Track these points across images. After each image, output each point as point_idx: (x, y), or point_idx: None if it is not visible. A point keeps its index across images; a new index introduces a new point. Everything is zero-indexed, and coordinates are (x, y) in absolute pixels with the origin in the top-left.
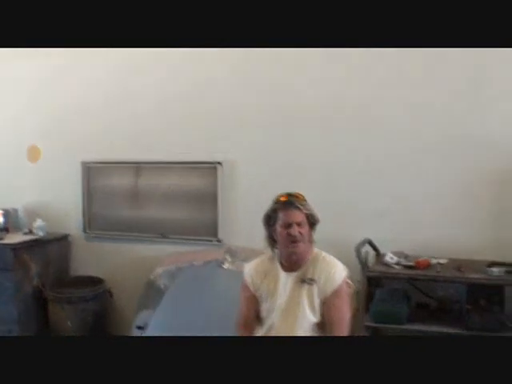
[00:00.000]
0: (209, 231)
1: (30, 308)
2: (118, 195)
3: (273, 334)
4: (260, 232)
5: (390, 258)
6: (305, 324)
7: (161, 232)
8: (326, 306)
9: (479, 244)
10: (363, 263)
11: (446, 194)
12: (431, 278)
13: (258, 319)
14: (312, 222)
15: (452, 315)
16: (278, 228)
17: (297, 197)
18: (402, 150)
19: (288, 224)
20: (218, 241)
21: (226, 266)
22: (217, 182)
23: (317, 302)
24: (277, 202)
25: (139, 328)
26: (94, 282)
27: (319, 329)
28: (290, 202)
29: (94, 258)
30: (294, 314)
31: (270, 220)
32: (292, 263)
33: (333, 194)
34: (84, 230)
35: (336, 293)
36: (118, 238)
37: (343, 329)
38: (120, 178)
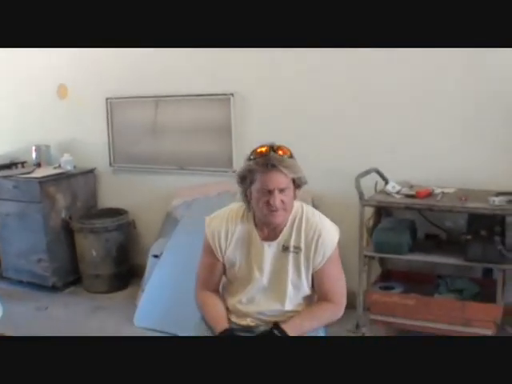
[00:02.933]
0: (224, 162)
1: (58, 238)
2: (139, 129)
3: (253, 308)
4: None
5: (391, 187)
6: (291, 300)
7: (179, 164)
8: (319, 274)
9: (489, 174)
10: (361, 193)
11: (456, 125)
12: (428, 208)
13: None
14: (299, 184)
15: (458, 246)
16: (255, 192)
17: (281, 151)
18: (411, 81)
19: (268, 191)
20: (233, 172)
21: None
22: (230, 114)
23: (304, 274)
24: (254, 158)
25: (155, 256)
26: (120, 213)
27: (309, 301)
28: (272, 163)
29: (119, 191)
30: (278, 290)
31: (245, 180)
32: (269, 229)
33: (344, 126)
34: (110, 164)
35: (329, 261)
36: (140, 171)
37: (342, 294)
38: (140, 112)
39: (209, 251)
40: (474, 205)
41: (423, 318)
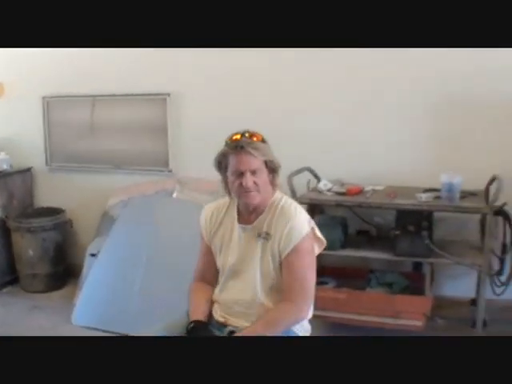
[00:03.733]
0: (160, 162)
1: None
2: (76, 128)
3: (223, 295)
4: (209, 162)
5: (323, 185)
6: (256, 287)
7: (115, 163)
8: (284, 266)
9: (418, 172)
10: (293, 191)
11: (387, 125)
12: (358, 204)
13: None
14: (272, 167)
15: (388, 241)
16: (230, 176)
17: (253, 136)
18: (346, 81)
19: (239, 172)
20: (169, 171)
21: (175, 195)
22: (166, 114)
23: (271, 261)
24: (227, 143)
25: (92, 255)
26: (57, 212)
27: (276, 292)
28: (241, 144)
29: (56, 190)
30: (244, 274)
31: (220, 165)
32: (249, 213)
33: (279, 125)
34: (46, 163)
35: (294, 252)
36: (77, 170)
37: (304, 293)
38: (77, 111)
39: (202, 238)
40: (401, 201)
41: (355, 312)
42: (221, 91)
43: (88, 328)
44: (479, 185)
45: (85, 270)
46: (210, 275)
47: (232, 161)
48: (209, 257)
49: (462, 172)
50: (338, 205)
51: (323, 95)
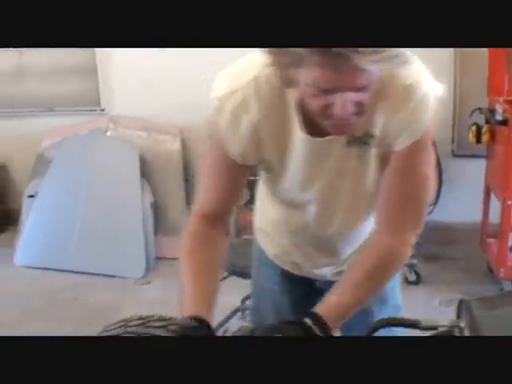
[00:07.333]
0: (92, 101)
1: None
2: (3, 74)
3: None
4: (142, 99)
5: None
6: (364, 214)
7: (47, 105)
8: (390, 172)
9: None
10: None
11: None
12: None
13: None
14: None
15: None
16: (302, 83)
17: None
18: None
19: (327, 90)
20: (102, 110)
21: (109, 133)
22: (95, 53)
23: (374, 169)
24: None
25: (31, 196)
26: None
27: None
28: (340, 51)
29: None
30: (334, 208)
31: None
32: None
33: None
34: None
35: (409, 150)
36: (5, 116)
37: (418, 217)
38: (4, 54)
39: (217, 148)
40: None
41: None
42: None
43: (31, 267)
44: None
45: (23, 212)
46: (225, 206)
47: (315, 71)
48: (231, 176)
49: None
50: None
51: None
